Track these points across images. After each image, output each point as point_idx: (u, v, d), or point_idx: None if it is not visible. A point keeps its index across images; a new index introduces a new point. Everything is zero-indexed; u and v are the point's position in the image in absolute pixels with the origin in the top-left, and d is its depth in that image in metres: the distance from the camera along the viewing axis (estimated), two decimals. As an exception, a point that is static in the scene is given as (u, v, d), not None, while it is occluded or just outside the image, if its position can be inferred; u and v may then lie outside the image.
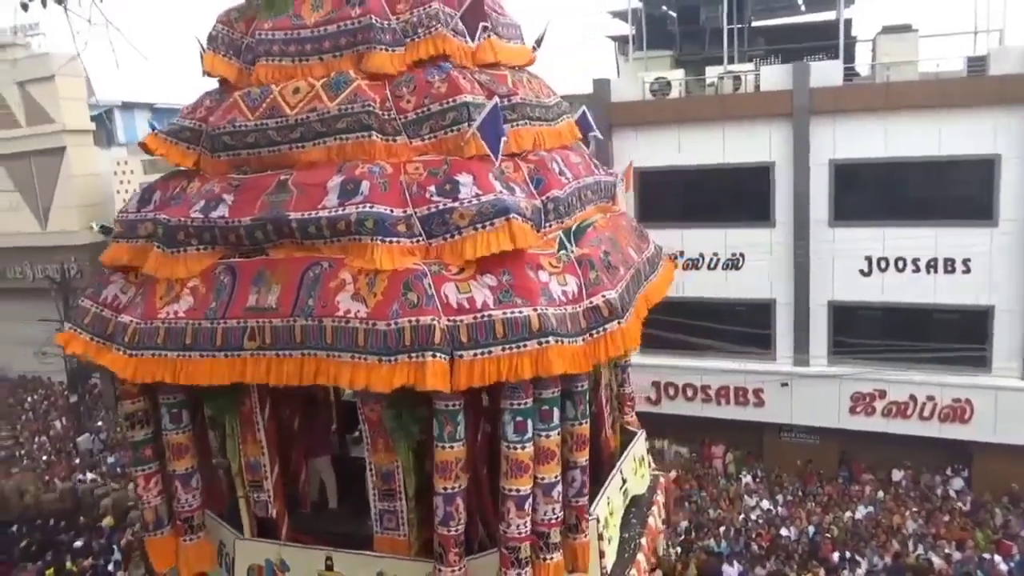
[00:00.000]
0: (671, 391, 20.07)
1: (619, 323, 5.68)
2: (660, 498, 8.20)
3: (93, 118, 27.18)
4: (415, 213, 5.48)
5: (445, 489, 5.62)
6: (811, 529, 15.55)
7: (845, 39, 19.18)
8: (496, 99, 5.84)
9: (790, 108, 17.70)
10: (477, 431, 6.41)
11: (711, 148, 18.57)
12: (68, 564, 14.03)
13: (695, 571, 13.66)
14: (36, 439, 22.82)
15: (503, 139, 5.83)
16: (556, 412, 5.67)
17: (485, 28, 6.31)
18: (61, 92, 25.44)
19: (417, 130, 5.93)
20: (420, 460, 6.22)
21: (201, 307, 5.79)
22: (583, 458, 6.05)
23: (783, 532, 15.43)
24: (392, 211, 5.44)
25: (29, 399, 26.93)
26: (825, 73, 17.53)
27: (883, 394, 17.80)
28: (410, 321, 5.08)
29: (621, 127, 19.58)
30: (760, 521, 16.32)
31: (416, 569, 5.99)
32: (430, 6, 6.15)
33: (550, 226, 5.95)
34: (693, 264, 19.63)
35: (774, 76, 18.09)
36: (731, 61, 20.22)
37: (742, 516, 16.50)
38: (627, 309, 5.97)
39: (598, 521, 6.48)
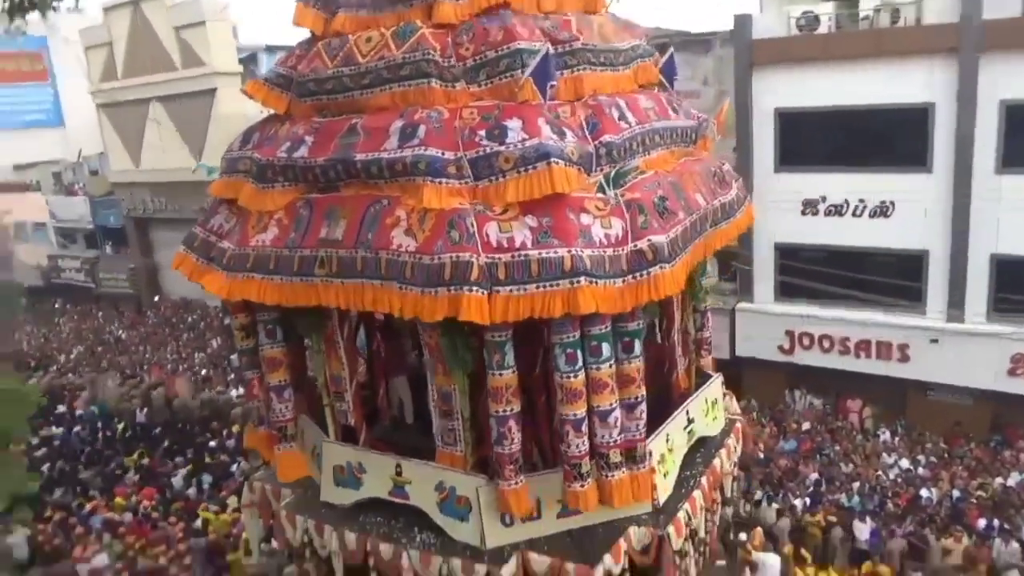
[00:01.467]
0: (806, 341, 19.89)
1: (662, 267, 6.08)
2: (732, 442, 8.55)
3: (240, 61, 29.86)
4: (465, 156, 6.09)
5: (497, 412, 6.35)
6: (955, 493, 15.18)
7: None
8: (547, 46, 6.29)
9: (956, 43, 16.56)
10: (535, 363, 7.11)
11: (861, 87, 17.82)
12: (206, 459, 16.55)
13: (824, 523, 13.84)
14: (196, 355, 26.13)
15: (552, 84, 6.32)
16: (606, 347, 6.21)
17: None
18: (211, 37, 28.14)
19: (474, 76, 6.49)
20: (475, 384, 7.01)
21: (283, 237, 6.78)
22: (638, 393, 6.54)
23: (923, 493, 15.17)
24: (444, 154, 6.09)
25: (189, 319, 30.67)
26: (1000, 2, 16.21)
27: (1051, 356, 16.83)
28: (451, 257, 5.75)
29: (763, 66, 19.12)
30: (898, 480, 16.09)
31: (469, 481, 6.81)
32: (489, -47, 6.63)
33: (601, 170, 6.38)
34: (836, 210, 19.16)
35: (939, 7, 16.95)
36: (890, -8, 19.03)
37: (878, 474, 16.32)
38: (677, 254, 6.35)
39: (650, 454, 7.03)
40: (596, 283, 5.81)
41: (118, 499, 15.32)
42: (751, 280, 20.17)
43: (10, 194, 37.08)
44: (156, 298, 34.16)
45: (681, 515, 7.19)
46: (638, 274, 6.05)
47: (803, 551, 13.20)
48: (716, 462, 8.07)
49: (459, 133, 6.20)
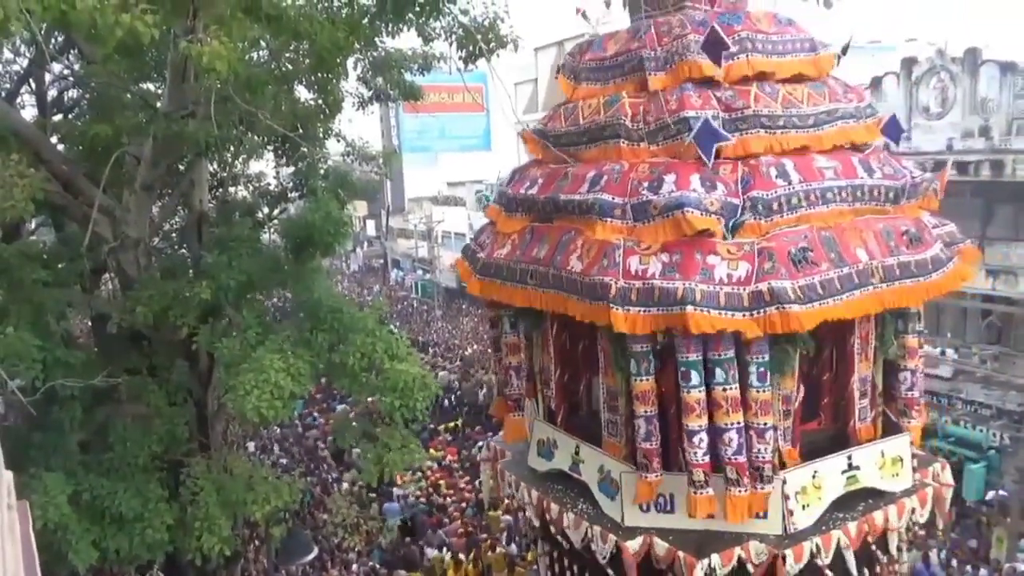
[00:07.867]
0: None
1: (780, 307, 7.14)
2: (910, 503, 8.67)
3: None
4: (629, 202, 7.86)
5: (645, 412, 8.05)
6: None
7: None
8: (707, 114, 7.76)
9: None
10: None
11: None
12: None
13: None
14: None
15: (721, 145, 7.71)
16: (720, 372, 7.53)
17: (725, 54, 8.06)
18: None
19: (655, 138, 8.21)
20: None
21: (512, 253, 9.18)
22: (731, 421, 7.58)
23: None
24: (614, 199, 7.94)
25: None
26: None
27: None
28: (600, 279, 7.60)
29: None
30: None
31: (618, 467, 8.56)
32: (686, 38, 8.21)
33: (746, 221, 7.57)
34: None
35: None
36: None
37: None
38: (807, 299, 7.26)
39: (784, 481, 7.94)
40: (705, 312, 7.14)
41: (431, 450, 20.92)
42: None
43: (444, 206, 45.93)
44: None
45: (807, 545, 7.91)
46: (756, 311, 7.20)
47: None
48: (878, 515, 8.41)
49: (630, 183, 7.98)
